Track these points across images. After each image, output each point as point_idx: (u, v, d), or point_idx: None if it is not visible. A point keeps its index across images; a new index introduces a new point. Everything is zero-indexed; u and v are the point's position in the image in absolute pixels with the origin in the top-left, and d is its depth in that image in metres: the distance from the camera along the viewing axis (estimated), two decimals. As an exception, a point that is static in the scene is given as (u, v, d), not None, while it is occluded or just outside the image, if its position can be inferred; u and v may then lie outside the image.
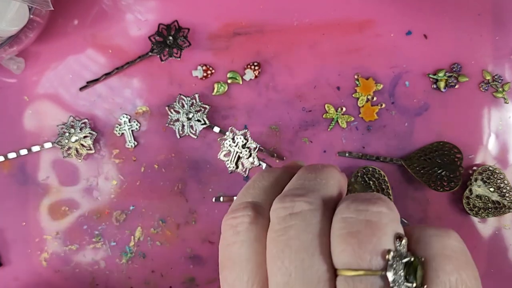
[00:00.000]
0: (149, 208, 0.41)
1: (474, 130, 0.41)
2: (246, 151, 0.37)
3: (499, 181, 0.39)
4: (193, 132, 0.40)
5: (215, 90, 0.40)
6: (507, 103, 0.41)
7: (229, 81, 0.40)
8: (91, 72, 0.41)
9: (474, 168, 0.40)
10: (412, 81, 0.41)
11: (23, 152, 0.40)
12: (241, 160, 0.37)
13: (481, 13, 0.40)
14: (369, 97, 0.40)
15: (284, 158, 0.40)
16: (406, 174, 0.41)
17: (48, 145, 0.40)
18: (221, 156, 0.37)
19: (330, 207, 0.22)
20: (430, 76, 0.40)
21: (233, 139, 0.37)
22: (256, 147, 0.36)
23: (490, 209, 0.39)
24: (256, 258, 0.22)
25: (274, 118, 0.41)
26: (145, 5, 0.40)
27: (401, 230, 0.20)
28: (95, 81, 0.40)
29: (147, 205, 0.41)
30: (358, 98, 0.40)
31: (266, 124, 0.41)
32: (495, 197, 0.39)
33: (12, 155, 0.40)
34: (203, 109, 0.40)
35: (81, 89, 0.40)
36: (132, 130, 0.41)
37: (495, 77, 0.40)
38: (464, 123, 0.41)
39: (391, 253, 0.19)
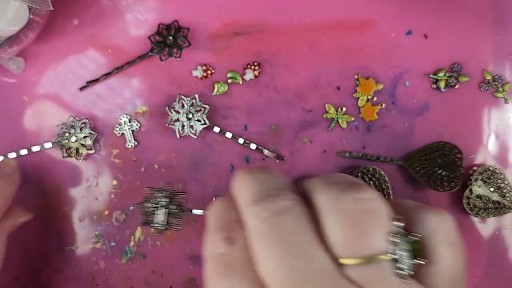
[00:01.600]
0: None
1: (474, 130, 0.41)
2: (173, 206, 0.34)
3: (499, 181, 0.39)
4: (193, 132, 0.40)
5: (215, 90, 0.40)
6: (507, 103, 0.41)
7: (229, 81, 0.40)
8: (91, 72, 0.40)
9: (474, 168, 0.40)
10: (412, 81, 0.41)
11: (23, 152, 0.40)
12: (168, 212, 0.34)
13: (482, 12, 0.40)
14: (369, 97, 0.40)
15: (284, 158, 0.40)
16: (406, 174, 0.40)
17: (48, 145, 0.40)
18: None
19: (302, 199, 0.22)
20: (430, 76, 0.40)
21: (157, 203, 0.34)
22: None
23: (490, 209, 0.39)
24: (251, 266, 0.21)
25: (274, 118, 0.41)
26: (145, 5, 0.40)
27: (392, 212, 0.21)
28: (95, 81, 0.40)
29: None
30: (358, 98, 0.40)
31: (266, 124, 0.41)
32: (495, 197, 0.39)
33: (12, 155, 0.40)
34: (203, 109, 0.40)
35: (81, 89, 0.40)
36: (132, 130, 0.41)
37: (496, 77, 0.40)
38: (464, 123, 0.41)
39: (394, 235, 0.20)
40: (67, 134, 0.40)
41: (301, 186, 0.23)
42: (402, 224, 0.21)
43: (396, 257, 0.20)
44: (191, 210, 0.35)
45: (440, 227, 0.21)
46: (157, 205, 0.34)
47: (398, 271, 0.20)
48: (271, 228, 0.20)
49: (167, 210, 0.33)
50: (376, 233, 0.20)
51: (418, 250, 0.21)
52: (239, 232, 0.22)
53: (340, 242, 0.20)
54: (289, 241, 0.20)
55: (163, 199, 0.34)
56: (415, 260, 0.20)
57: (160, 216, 0.34)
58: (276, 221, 0.20)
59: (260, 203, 0.21)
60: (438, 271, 0.21)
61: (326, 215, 0.20)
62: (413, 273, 0.20)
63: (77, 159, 0.40)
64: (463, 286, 0.21)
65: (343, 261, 0.20)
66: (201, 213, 0.34)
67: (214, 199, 0.41)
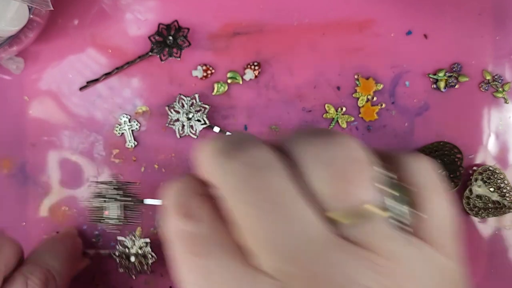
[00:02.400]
0: (149, 208, 0.41)
1: (474, 130, 0.41)
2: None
3: (499, 181, 0.39)
4: (193, 132, 0.40)
5: (215, 90, 0.40)
6: (507, 103, 0.41)
7: (229, 81, 0.40)
8: (91, 72, 0.40)
9: (474, 168, 0.40)
10: (412, 81, 0.41)
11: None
12: None
13: (482, 12, 0.40)
14: (369, 97, 0.40)
15: (284, 158, 0.40)
16: (406, 174, 0.40)
17: (105, 252, 0.40)
18: None
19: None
20: (430, 76, 0.40)
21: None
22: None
23: (490, 209, 0.39)
24: (225, 240, 0.18)
25: (274, 118, 0.41)
26: (145, 5, 0.40)
27: (379, 160, 0.19)
28: (95, 81, 0.40)
29: (147, 204, 0.41)
30: (358, 98, 0.40)
31: (266, 124, 0.41)
32: (495, 197, 0.39)
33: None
34: (203, 109, 0.40)
35: (81, 89, 0.40)
36: (132, 130, 0.41)
37: (495, 77, 0.40)
38: (464, 123, 0.41)
39: (389, 184, 0.18)
40: (127, 250, 0.37)
41: (274, 142, 0.20)
42: (393, 175, 0.18)
43: (390, 212, 0.17)
44: (142, 201, 0.30)
45: (427, 176, 0.19)
46: (105, 199, 0.30)
47: (397, 222, 0.17)
48: (249, 184, 0.17)
49: (121, 203, 0.30)
50: (365, 181, 0.17)
51: (409, 203, 0.18)
52: (204, 207, 0.19)
53: (328, 195, 0.17)
54: (273, 199, 0.17)
55: (111, 192, 0.30)
56: (413, 210, 0.18)
57: (113, 210, 0.30)
58: (253, 176, 0.17)
59: (231, 156, 0.17)
60: (434, 223, 0.18)
61: (310, 167, 0.18)
62: (411, 229, 0.18)
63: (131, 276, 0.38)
64: (458, 237, 0.19)
65: (331, 214, 0.17)
66: (158, 203, 0.30)
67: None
